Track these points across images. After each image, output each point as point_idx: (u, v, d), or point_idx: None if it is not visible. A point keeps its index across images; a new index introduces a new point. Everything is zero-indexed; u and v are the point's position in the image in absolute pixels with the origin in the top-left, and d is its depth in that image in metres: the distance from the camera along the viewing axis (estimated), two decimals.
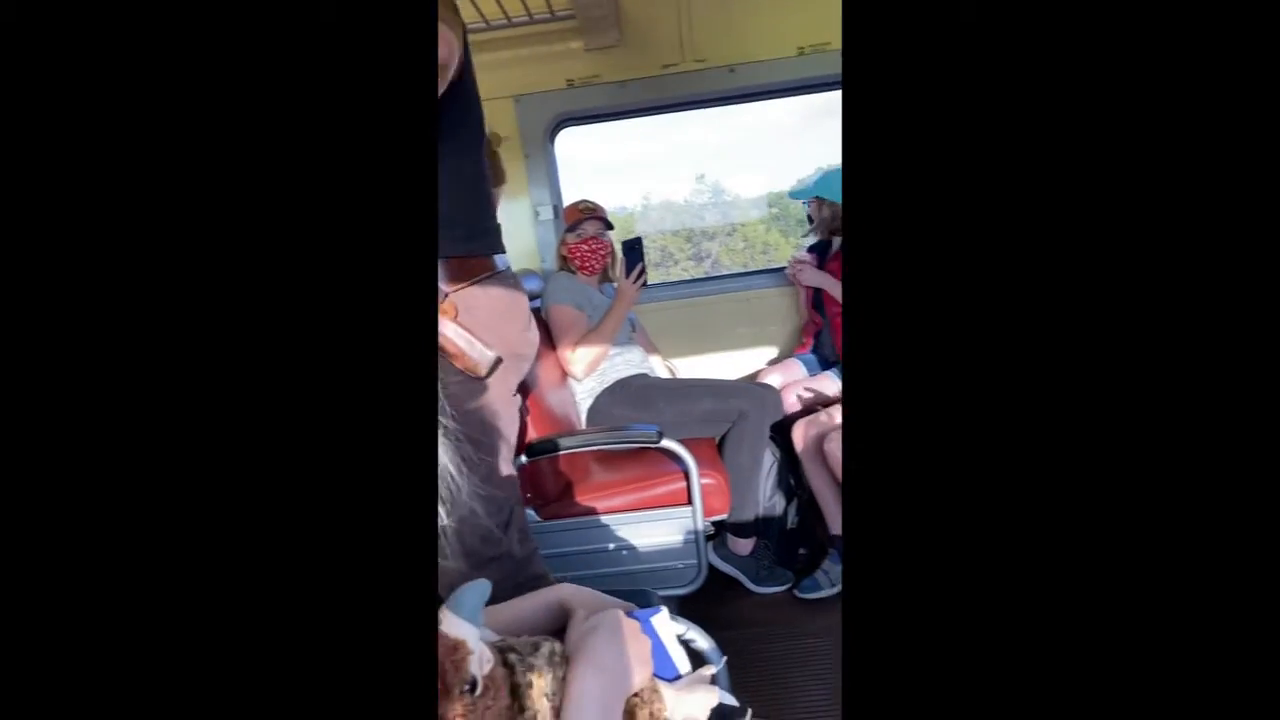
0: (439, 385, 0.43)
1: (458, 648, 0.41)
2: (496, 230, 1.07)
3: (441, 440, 0.40)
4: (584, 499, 1.40)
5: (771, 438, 1.64)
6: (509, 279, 1.05)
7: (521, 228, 2.09)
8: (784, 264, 2.10)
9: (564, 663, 0.48)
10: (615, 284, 1.92)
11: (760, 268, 2.44)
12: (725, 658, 0.63)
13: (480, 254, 1.00)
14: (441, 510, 0.40)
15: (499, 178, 1.24)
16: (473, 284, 0.97)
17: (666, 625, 0.58)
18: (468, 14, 1.79)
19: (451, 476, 0.40)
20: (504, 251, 1.07)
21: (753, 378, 1.97)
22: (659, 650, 0.56)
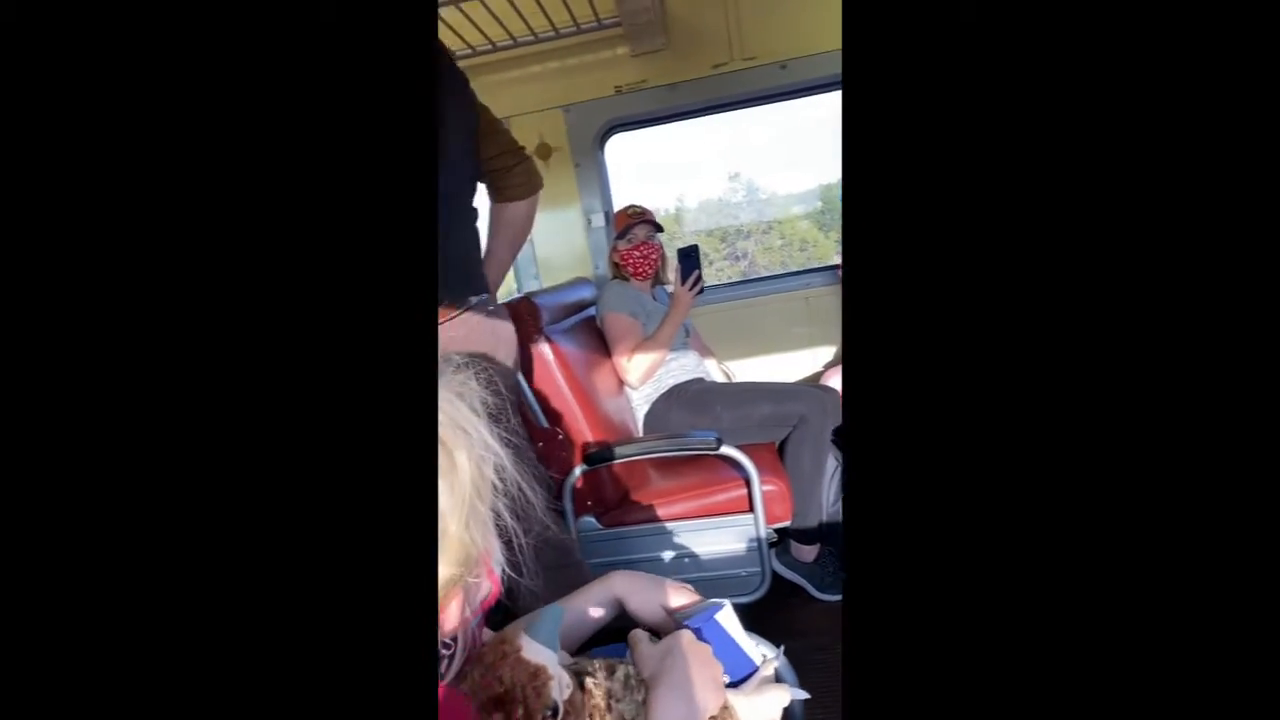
0: (506, 402, 0.43)
1: (538, 674, 0.41)
2: (470, 278, 1.08)
3: (514, 457, 0.40)
4: (645, 506, 1.40)
5: (834, 441, 1.60)
6: (478, 320, 1.05)
7: (573, 235, 2.11)
8: (833, 261, 2.04)
9: (640, 686, 0.48)
10: (667, 287, 1.91)
11: (798, 265, 2.40)
12: (782, 646, 0.62)
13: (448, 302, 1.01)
14: (519, 528, 0.40)
15: (535, 184, 1.24)
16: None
17: (732, 620, 0.57)
18: (516, 28, 1.82)
19: (524, 493, 0.40)
20: (483, 292, 1.09)
21: (814, 379, 1.92)
22: (730, 647, 0.55)
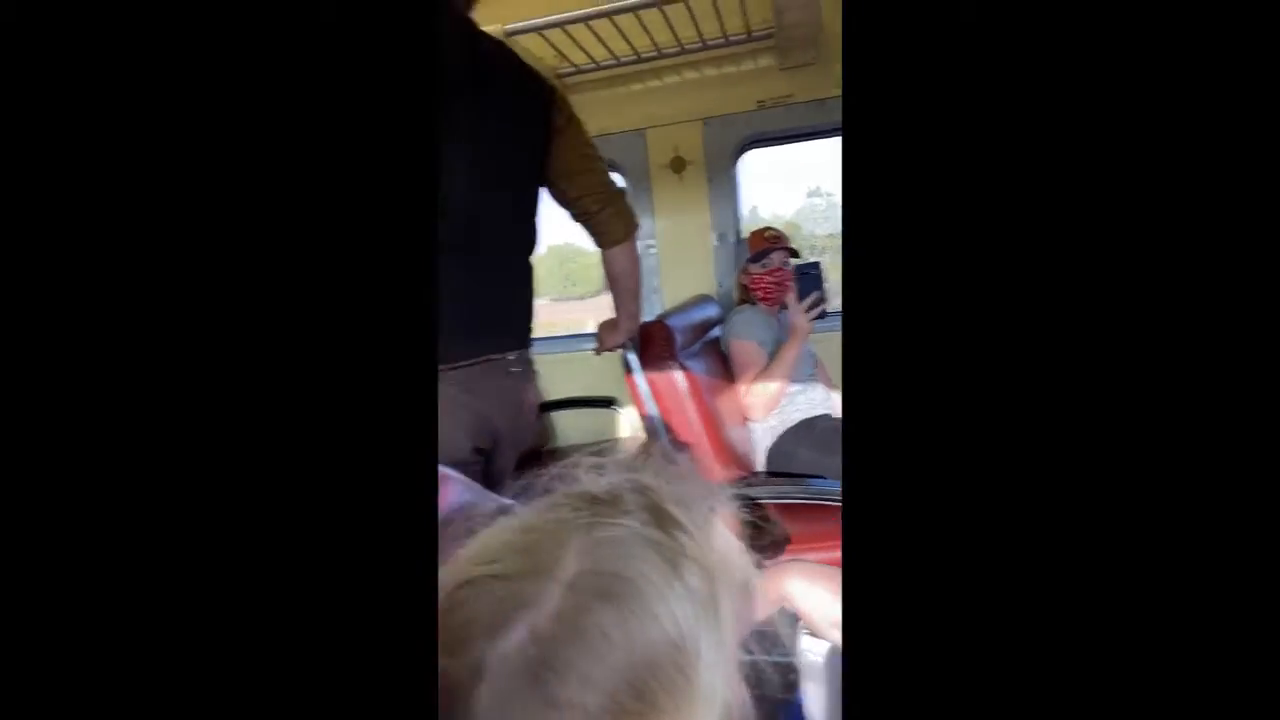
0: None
1: None
2: (505, 326, 1.04)
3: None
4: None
5: None
6: (495, 379, 1.00)
7: (699, 251, 2.05)
8: None
9: None
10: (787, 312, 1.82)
11: None
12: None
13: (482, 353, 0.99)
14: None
15: (627, 228, 1.16)
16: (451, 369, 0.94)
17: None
18: (663, 38, 1.78)
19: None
20: (509, 350, 1.04)
21: None
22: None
